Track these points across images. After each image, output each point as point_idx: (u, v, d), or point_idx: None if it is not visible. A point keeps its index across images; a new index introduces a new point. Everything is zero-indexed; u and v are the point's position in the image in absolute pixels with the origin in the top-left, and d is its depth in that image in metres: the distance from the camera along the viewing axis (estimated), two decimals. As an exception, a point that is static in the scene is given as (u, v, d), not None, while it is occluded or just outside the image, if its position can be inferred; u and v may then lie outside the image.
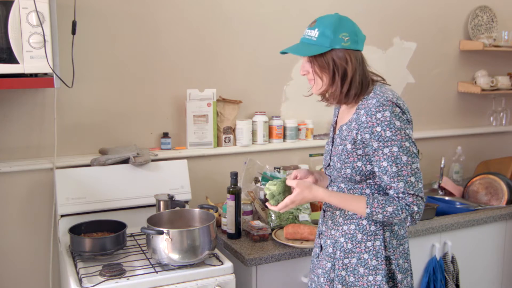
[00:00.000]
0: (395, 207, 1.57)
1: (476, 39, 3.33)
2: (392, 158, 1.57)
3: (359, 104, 1.65)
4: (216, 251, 2.11)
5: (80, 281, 1.85)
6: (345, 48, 1.62)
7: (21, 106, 2.30)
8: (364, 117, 1.60)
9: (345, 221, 1.71)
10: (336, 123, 1.82)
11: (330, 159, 1.75)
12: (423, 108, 3.33)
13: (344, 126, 1.70)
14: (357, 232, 1.69)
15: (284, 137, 2.85)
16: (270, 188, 1.74)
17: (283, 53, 1.70)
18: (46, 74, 2.02)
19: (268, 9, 2.76)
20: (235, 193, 2.27)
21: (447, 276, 2.54)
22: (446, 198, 2.98)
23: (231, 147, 2.71)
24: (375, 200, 1.60)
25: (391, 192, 1.60)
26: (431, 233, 2.49)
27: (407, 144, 1.57)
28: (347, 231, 1.70)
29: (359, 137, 1.62)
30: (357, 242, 1.68)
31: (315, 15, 1.66)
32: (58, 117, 2.34)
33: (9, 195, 2.30)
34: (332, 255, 1.74)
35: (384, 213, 1.58)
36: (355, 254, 1.68)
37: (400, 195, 1.58)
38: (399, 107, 1.59)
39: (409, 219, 1.59)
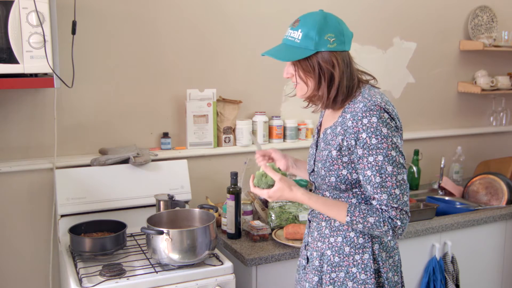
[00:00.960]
0: (377, 218, 1.47)
1: (476, 39, 3.33)
2: (377, 168, 1.46)
3: (345, 107, 1.57)
4: (216, 251, 2.11)
5: (80, 281, 1.85)
6: (331, 50, 1.50)
7: (21, 106, 2.30)
8: (350, 122, 1.51)
9: (332, 233, 1.61)
10: (321, 125, 1.72)
11: (314, 164, 1.65)
12: (423, 108, 3.33)
13: (328, 130, 1.60)
14: (344, 244, 1.59)
15: (284, 137, 2.85)
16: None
17: (263, 55, 1.60)
18: (46, 74, 2.02)
19: (268, 9, 2.76)
20: (235, 193, 2.27)
21: (447, 276, 2.54)
22: (446, 198, 2.98)
23: (231, 147, 2.71)
24: (357, 208, 1.50)
25: (374, 202, 1.50)
26: (431, 233, 2.49)
27: (393, 153, 1.46)
28: (334, 244, 1.61)
29: (344, 143, 1.52)
30: (344, 256, 1.59)
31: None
32: (58, 117, 2.34)
33: (9, 195, 2.30)
34: (319, 269, 1.64)
35: (365, 223, 1.49)
36: (343, 268, 1.59)
37: (383, 207, 1.47)
38: (387, 113, 1.49)
39: (390, 233, 1.48)
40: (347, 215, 1.50)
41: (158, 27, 2.52)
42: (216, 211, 2.32)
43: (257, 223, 2.32)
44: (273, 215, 2.38)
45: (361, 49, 3.05)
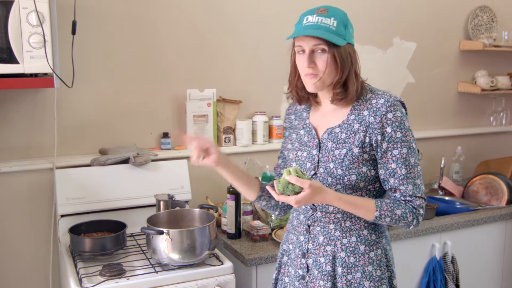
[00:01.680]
0: (403, 210, 1.51)
1: (476, 39, 3.33)
2: (402, 160, 1.51)
3: (354, 105, 1.56)
4: (216, 251, 2.11)
5: (80, 281, 1.85)
6: (352, 45, 1.54)
7: (21, 106, 2.30)
8: (372, 117, 1.52)
9: (344, 234, 1.58)
10: (311, 125, 1.65)
11: (318, 166, 1.59)
12: (423, 108, 3.33)
13: (337, 129, 1.57)
14: (359, 244, 1.57)
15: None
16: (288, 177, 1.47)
17: (295, 36, 1.50)
18: (46, 74, 2.02)
19: (268, 9, 2.76)
20: (235, 193, 2.27)
21: (447, 276, 2.54)
22: (446, 198, 2.98)
23: (231, 147, 2.71)
24: (383, 203, 1.51)
25: (397, 195, 1.53)
26: (431, 233, 2.49)
27: (413, 145, 1.53)
28: (347, 245, 1.58)
29: (367, 140, 1.52)
30: (360, 255, 1.57)
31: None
32: (58, 117, 2.34)
33: (9, 195, 2.30)
34: (332, 273, 1.58)
35: (393, 216, 1.50)
36: (359, 268, 1.57)
37: (408, 198, 1.52)
38: (405, 108, 1.56)
39: (414, 223, 1.53)
40: (376, 210, 1.51)
41: (158, 27, 2.52)
42: (216, 211, 2.32)
43: (257, 223, 2.32)
44: (272, 215, 2.38)
45: (361, 49, 3.04)
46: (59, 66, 2.05)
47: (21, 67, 1.93)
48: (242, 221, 2.33)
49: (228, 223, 2.30)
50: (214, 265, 2.00)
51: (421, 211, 1.54)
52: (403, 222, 1.53)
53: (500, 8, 3.45)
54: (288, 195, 1.44)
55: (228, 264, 2.02)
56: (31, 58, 1.93)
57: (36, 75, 2.00)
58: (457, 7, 3.33)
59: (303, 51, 1.52)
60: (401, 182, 1.52)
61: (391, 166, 1.52)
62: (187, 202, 2.45)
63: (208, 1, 2.61)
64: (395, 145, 1.51)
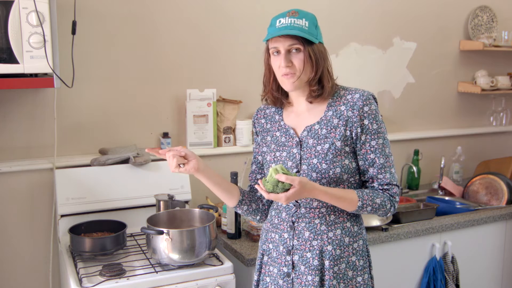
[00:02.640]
0: (382, 198, 1.59)
1: (476, 39, 3.33)
2: (379, 150, 1.60)
3: (329, 102, 1.63)
4: (216, 251, 2.11)
5: (80, 281, 1.85)
6: (323, 44, 1.62)
7: (21, 106, 2.30)
8: (350, 112, 1.59)
9: (329, 227, 1.62)
10: (287, 126, 1.69)
11: (300, 163, 1.63)
12: (423, 108, 3.33)
13: (316, 126, 1.63)
14: (344, 236, 1.63)
15: (284, 137, 2.84)
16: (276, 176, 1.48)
17: (273, 36, 1.54)
18: (46, 74, 2.02)
19: (268, 9, 2.76)
20: (235, 193, 2.26)
21: (447, 276, 2.54)
22: (446, 198, 2.98)
23: (231, 147, 2.71)
24: (364, 193, 1.58)
25: (374, 184, 1.62)
26: (431, 233, 2.49)
27: (387, 136, 1.64)
28: (333, 238, 1.62)
29: (348, 133, 1.59)
30: (345, 246, 1.63)
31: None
32: (58, 117, 2.34)
33: (9, 195, 2.30)
34: (319, 267, 1.62)
35: (374, 205, 1.58)
36: (344, 259, 1.63)
37: (385, 186, 1.61)
38: (376, 102, 1.64)
39: (392, 210, 1.62)
40: (359, 200, 1.57)
41: (158, 27, 2.52)
42: (216, 211, 2.32)
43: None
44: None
45: (361, 49, 3.05)
46: (59, 66, 2.05)
47: (21, 67, 1.93)
48: (242, 221, 2.33)
49: (228, 223, 2.30)
50: (214, 265, 2.00)
51: (397, 198, 1.63)
52: (382, 210, 1.61)
53: (500, 8, 3.45)
54: (278, 193, 1.46)
55: (228, 264, 2.02)
56: (31, 58, 1.93)
57: (36, 75, 2.00)
58: (457, 7, 3.33)
59: (278, 52, 1.58)
60: (379, 171, 1.61)
61: (370, 157, 1.61)
62: (187, 202, 2.45)
63: (208, 1, 2.61)
64: (372, 136, 1.60)
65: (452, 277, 2.55)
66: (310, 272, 1.63)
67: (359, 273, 1.65)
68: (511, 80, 3.39)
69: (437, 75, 3.36)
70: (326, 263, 1.62)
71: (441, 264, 2.53)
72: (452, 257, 2.57)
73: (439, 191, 3.13)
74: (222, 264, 2.02)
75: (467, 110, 3.52)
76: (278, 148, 1.69)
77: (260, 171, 1.81)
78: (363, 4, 3.02)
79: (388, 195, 1.61)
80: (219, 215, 2.43)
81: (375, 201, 1.58)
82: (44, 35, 1.93)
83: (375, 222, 2.40)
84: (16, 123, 2.29)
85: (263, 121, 1.78)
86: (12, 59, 1.91)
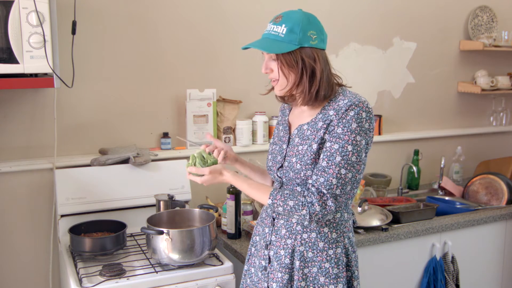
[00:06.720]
0: (296, 202, 1.53)
1: (476, 39, 3.33)
2: (327, 154, 1.53)
3: (325, 105, 1.60)
4: (216, 251, 2.11)
5: (80, 281, 1.85)
6: (313, 47, 1.55)
7: (21, 106, 2.30)
8: (333, 116, 1.56)
9: (305, 229, 1.62)
10: (288, 122, 1.75)
11: (284, 159, 1.67)
12: (423, 108, 3.33)
13: (305, 126, 1.64)
14: (318, 240, 1.61)
15: (284, 137, 2.84)
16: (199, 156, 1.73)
17: (245, 48, 1.61)
18: (46, 74, 2.02)
19: (268, 9, 2.76)
20: (235, 193, 2.27)
21: (447, 276, 2.54)
22: (446, 198, 2.98)
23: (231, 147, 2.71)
24: (280, 192, 1.58)
25: (309, 181, 1.55)
26: (431, 233, 2.49)
27: (349, 148, 1.51)
28: (307, 240, 1.62)
29: (326, 136, 1.57)
30: (318, 251, 1.61)
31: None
32: (58, 117, 2.34)
33: (9, 195, 2.30)
34: (290, 266, 1.63)
35: (285, 206, 1.55)
36: (316, 263, 1.62)
37: (312, 188, 1.53)
38: (367, 112, 1.55)
39: (307, 218, 1.52)
40: (269, 198, 1.58)
41: (158, 27, 2.52)
42: (216, 211, 2.32)
43: (257, 223, 2.32)
44: None
45: (361, 49, 3.05)
46: (59, 66, 2.05)
47: (21, 67, 1.93)
48: (242, 221, 2.33)
49: (228, 223, 2.30)
50: (214, 265, 2.00)
51: (317, 208, 1.51)
52: (296, 214, 1.55)
53: (500, 8, 3.45)
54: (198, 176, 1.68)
55: (228, 264, 2.02)
56: (31, 58, 1.93)
57: (36, 75, 2.00)
58: (457, 7, 3.33)
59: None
60: (316, 172, 1.54)
61: (320, 157, 1.56)
62: (187, 202, 2.45)
63: (208, 1, 2.61)
64: (331, 139, 1.54)
65: (452, 277, 2.55)
66: (280, 269, 1.65)
67: (332, 281, 1.61)
68: (511, 80, 3.39)
69: (437, 75, 3.36)
70: (297, 263, 1.63)
71: (441, 264, 2.53)
72: (452, 257, 2.57)
73: (439, 191, 3.13)
74: (222, 264, 2.02)
75: (467, 110, 3.52)
76: (276, 141, 1.76)
77: None
78: (363, 4, 3.02)
79: (308, 200, 1.52)
80: (219, 215, 2.43)
81: (288, 203, 1.55)
82: (44, 35, 1.93)
83: (375, 222, 2.40)
84: (16, 123, 2.29)
85: (280, 113, 1.84)
86: (12, 59, 1.91)
